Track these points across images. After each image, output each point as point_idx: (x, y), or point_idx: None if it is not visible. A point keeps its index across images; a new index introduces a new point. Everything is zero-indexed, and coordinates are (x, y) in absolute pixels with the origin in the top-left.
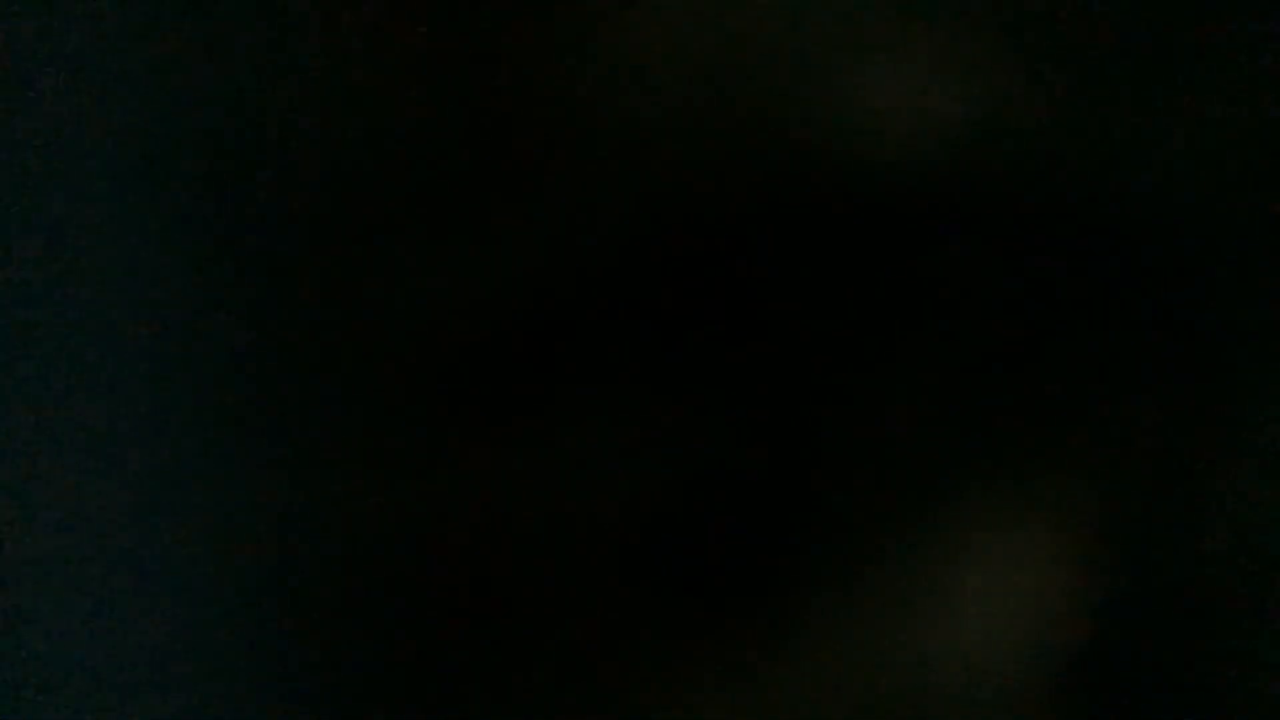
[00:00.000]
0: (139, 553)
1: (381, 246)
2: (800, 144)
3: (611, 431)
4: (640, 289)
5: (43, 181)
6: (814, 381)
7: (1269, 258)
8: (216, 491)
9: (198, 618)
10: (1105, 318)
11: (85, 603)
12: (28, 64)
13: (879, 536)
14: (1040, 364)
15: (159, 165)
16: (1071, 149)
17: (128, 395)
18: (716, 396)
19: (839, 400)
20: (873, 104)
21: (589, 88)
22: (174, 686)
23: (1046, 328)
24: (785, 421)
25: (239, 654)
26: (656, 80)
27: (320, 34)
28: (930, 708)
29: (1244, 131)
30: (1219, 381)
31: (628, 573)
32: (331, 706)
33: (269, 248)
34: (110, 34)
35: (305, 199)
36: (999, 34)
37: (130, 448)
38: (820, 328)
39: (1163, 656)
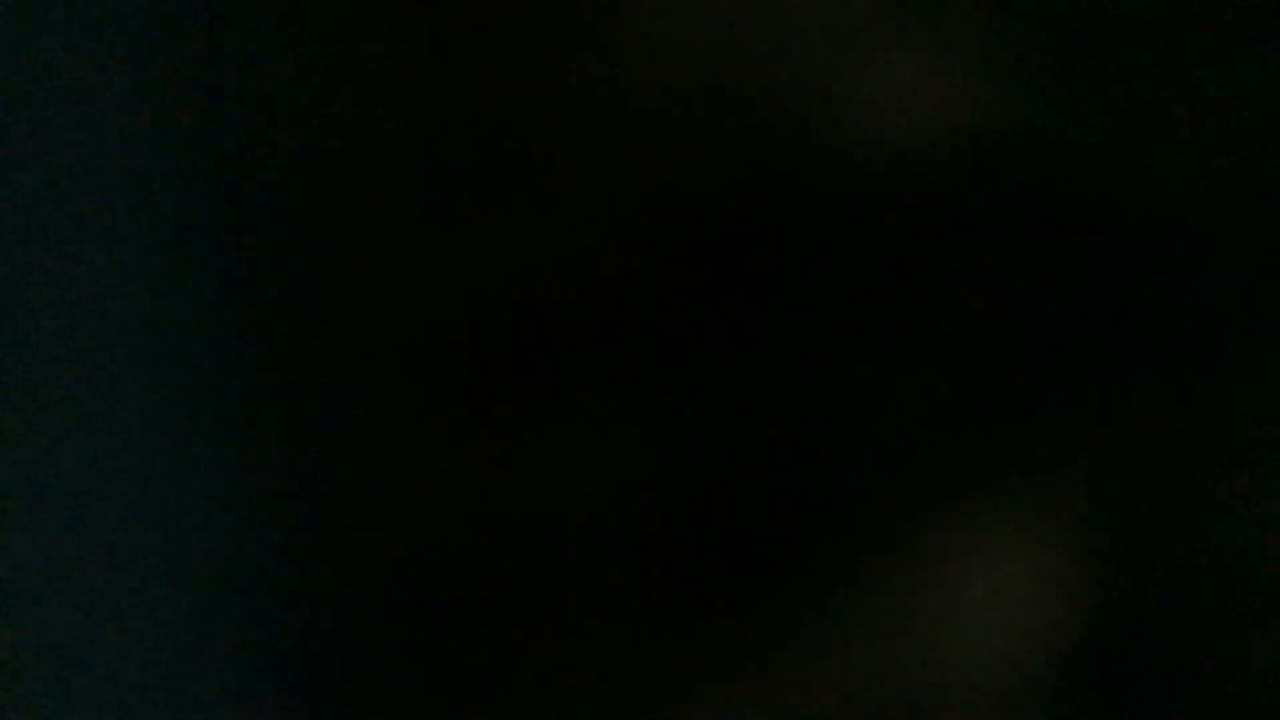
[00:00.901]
0: (139, 553)
1: (381, 246)
2: (801, 143)
3: (612, 430)
4: (641, 289)
5: (43, 182)
6: (814, 381)
7: (1269, 257)
8: (216, 491)
9: (198, 618)
10: (1105, 317)
11: (85, 603)
12: (28, 63)
13: (879, 536)
14: (1040, 363)
15: (159, 165)
16: (1071, 149)
17: (128, 395)
18: (716, 396)
19: (839, 400)
20: (874, 103)
21: (589, 87)
22: (174, 686)
23: (1046, 327)
24: (785, 421)
25: (239, 654)
26: (657, 80)
27: (320, 34)
28: (930, 707)
29: (1244, 131)
30: (1219, 381)
31: (628, 572)
32: (332, 706)
33: (269, 248)
34: (110, 34)
35: (305, 199)
36: (999, 34)
37: (130, 448)
38: (820, 327)
39: (1163, 656)
